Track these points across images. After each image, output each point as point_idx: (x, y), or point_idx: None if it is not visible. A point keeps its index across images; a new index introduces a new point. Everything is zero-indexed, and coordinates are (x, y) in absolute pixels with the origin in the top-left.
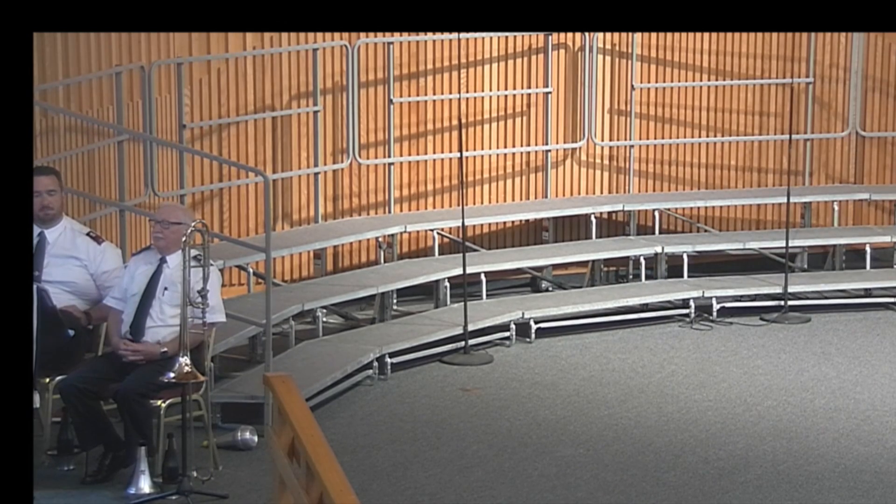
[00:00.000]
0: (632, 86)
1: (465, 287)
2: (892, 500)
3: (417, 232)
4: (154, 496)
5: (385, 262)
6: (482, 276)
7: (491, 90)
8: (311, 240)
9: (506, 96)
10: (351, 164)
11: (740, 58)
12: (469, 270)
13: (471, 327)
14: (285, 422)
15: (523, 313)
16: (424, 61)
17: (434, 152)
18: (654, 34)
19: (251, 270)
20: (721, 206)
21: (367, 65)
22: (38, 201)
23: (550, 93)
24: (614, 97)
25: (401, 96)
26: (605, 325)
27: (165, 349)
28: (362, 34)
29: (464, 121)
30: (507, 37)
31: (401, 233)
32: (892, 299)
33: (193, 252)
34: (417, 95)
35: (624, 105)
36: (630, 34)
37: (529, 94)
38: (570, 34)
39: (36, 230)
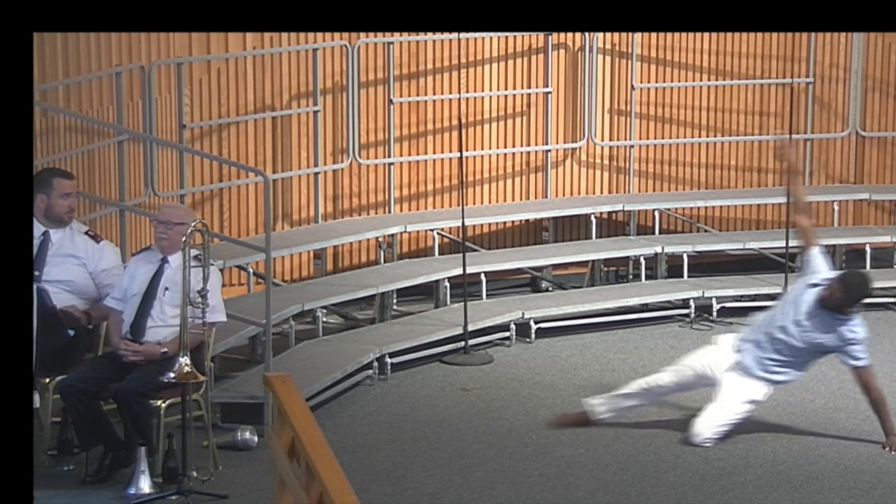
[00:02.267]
0: (632, 86)
1: (465, 287)
2: (892, 500)
3: (417, 232)
4: (154, 496)
5: (385, 262)
6: (482, 276)
7: (491, 90)
8: (311, 240)
9: (506, 96)
10: (351, 164)
11: (740, 58)
12: (469, 270)
13: (471, 327)
14: (285, 422)
15: (523, 313)
16: (424, 61)
17: (434, 152)
18: (654, 34)
19: (251, 270)
20: (721, 206)
21: (367, 65)
22: (66, 203)
23: (550, 93)
24: (614, 97)
25: (401, 96)
26: (605, 325)
27: (165, 349)
28: (362, 34)
29: (464, 121)
30: (507, 37)
31: (401, 233)
32: (892, 299)
33: (193, 252)
34: (417, 95)
35: (624, 105)
36: (630, 34)
37: (529, 94)
38: (570, 34)
39: (40, 230)
